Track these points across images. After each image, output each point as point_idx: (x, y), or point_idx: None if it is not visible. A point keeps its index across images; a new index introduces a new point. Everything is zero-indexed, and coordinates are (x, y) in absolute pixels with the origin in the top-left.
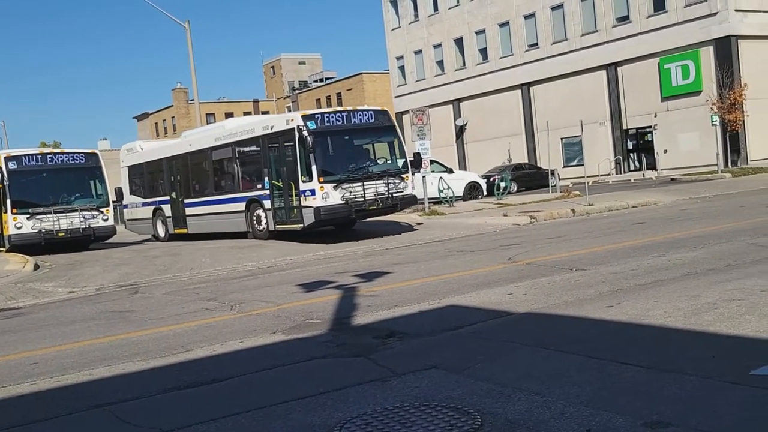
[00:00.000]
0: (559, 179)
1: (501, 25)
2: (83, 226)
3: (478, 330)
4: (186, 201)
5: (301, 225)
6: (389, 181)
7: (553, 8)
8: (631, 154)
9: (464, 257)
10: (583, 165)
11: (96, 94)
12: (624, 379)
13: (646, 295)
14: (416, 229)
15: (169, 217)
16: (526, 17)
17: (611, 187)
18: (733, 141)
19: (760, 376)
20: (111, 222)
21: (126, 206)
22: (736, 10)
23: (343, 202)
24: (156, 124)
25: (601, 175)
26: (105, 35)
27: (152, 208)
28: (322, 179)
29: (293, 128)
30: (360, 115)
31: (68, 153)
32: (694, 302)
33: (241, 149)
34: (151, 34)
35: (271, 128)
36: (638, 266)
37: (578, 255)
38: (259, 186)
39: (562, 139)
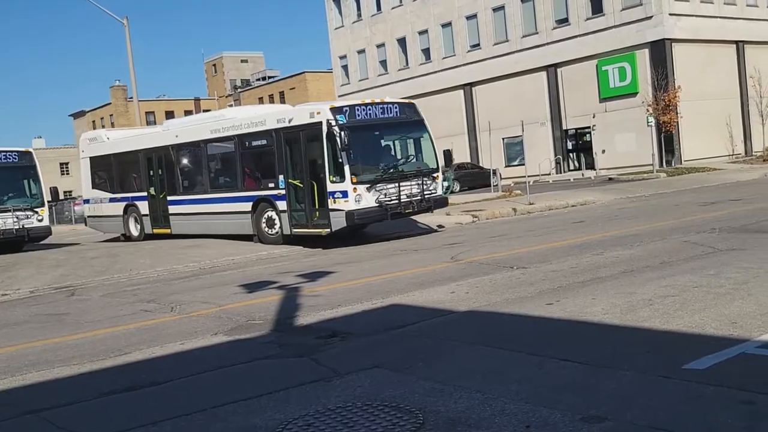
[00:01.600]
0: (501, 179)
1: (443, 26)
2: (17, 227)
3: (421, 329)
4: (170, 198)
5: (328, 230)
6: (423, 181)
7: (495, 9)
8: (571, 154)
9: (408, 256)
10: (524, 164)
11: (30, 92)
12: (563, 376)
13: (584, 293)
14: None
15: (146, 215)
16: (468, 18)
17: (551, 186)
18: (667, 141)
19: (691, 370)
20: (46, 222)
21: (87, 201)
22: (670, 14)
23: (377, 204)
24: (93, 122)
25: (542, 175)
26: (40, 33)
27: (123, 204)
28: (355, 180)
29: (320, 122)
30: (388, 108)
31: (0, 151)
32: (631, 299)
33: (248, 143)
34: (89, 33)
35: (289, 121)
36: (577, 264)
37: (520, 253)
38: (272, 185)
39: (503, 139)
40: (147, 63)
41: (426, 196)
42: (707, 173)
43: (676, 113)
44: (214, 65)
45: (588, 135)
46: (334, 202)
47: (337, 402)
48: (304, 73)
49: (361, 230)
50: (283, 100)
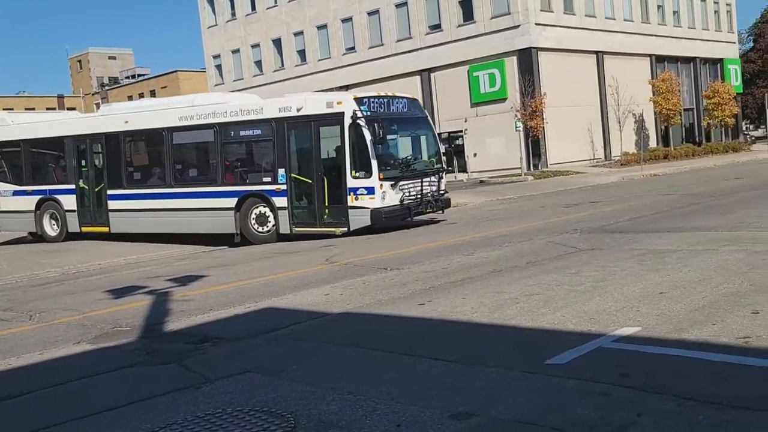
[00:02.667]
0: None
1: (319, 28)
2: None
3: (294, 332)
4: (112, 192)
5: (344, 229)
6: (438, 179)
7: (370, 13)
8: (444, 158)
9: (282, 259)
10: None
11: None
12: (433, 374)
13: (455, 292)
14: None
15: (71, 210)
16: (344, 21)
17: None
18: (534, 146)
19: (553, 365)
20: None
21: None
22: (536, 24)
23: (400, 203)
24: None
25: None
26: None
27: (36, 198)
28: (382, 176)
29: (341, 113)
30: (400, 102)
31: None
32: (498, 298)
33: (234, 133)
34: None
35: (297, 110)
36: (449, 265)
37: (393, 255)
38: (268, 179)
39: None
40: (4, 55)
41: (441, 195)
42: (571, 176)
43: (542, 119)
44: (80, 61)
45: (460, 138)
46: (356, 199)
47: (207, 409)
48: (176, 71)
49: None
50: None
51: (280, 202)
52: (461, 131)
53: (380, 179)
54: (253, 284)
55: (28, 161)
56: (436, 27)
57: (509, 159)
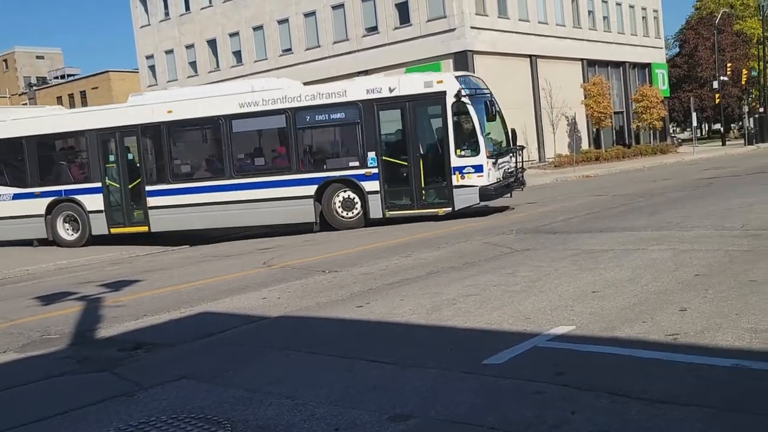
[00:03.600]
0: None
1: (255, 29)
2: None
3: (231, 336)
4: (151, 188)
5: (449, 209)
6: (517, 156)
7: (306, 15)
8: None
9: (219, 262)
10: None
11: None
12: (371, 376)
13: (393, 294)
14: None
15: (96, 211)
16: (280, 22)
17: None
18: None
19: (490, 365)
20: None
21: None
22: (472, 27)
23: (498, 180)
24: None
25: None
26: None
27: (47, 201)
28: (488, 153)
29: (442, 92)
30: (478, 80)
31: None
32: (436, 299)
33: (311, 117)
34: None
35: (390, 90)
36: (387, 266)
37: (332, 257)
38: (354, 164)
39: None
40: None
41: (522, 172)
42: None
43: None
44: (5, 60)
45: None
46: (462, 177)
47: (141, 417)
48: (107, 72)
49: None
50: (84, 101)
51: (371, 186)
52: None
53: (487, 156)
54: (189, 288)
55: (33, 160)
56: (373, 29)
57: None
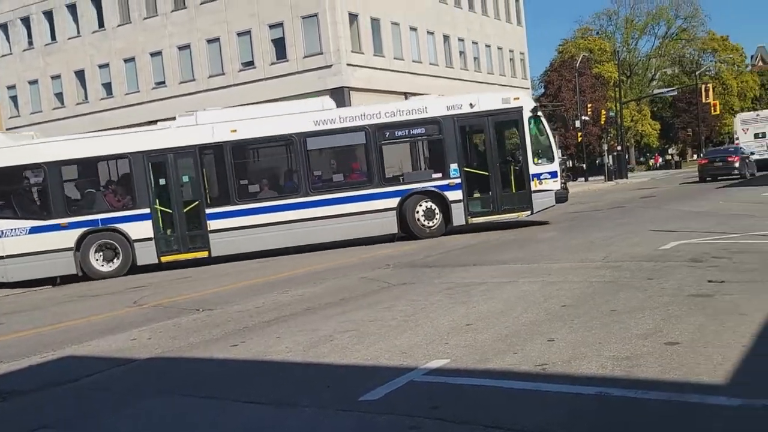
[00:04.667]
0: None
1: (126, 61)
2: None
3: (98, 380)
4: (213, 211)
5: (528, 212)
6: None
7: (180, 48)
8: None
9: (86, 303)
10: None
11: None
12: (245, 418)
13: (269, 332)
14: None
15: (143, 239)
16: (153, 55)
17: None
18: None
19: (366, 401)
20: None
21: None
22: (348, 64)
23: (563, 184)
24: None
25: None
26: None
27: (78, 232)
28: (560, 161)
29: (520, 107)
30: None
31: None
32: (313, 335)
33: (390, 133)
34: None
35: (471, 106)
36: (263, 303)
37: (207, 295)
38: (437, 175)
39: None
40: None
41: (566, 182)
42: None
43: None
44: None
45: None
46: (540, 183)
47: None
48: None
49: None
50: None
51: (454, 195)
52: None
53: (559, 164)
54: (53, 331)
55: (57, 188)
56: (249, 64)
57: None
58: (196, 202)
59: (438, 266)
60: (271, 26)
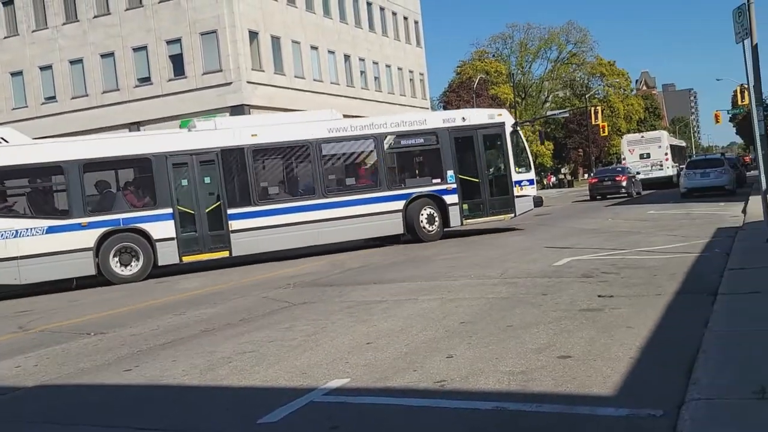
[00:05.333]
0: None
1: (14, 75)
2: None
3: None
4: (234, 211)
5: (512, 215)
6: None
7: (72, 62)
8: None
9: None
10: None
11: None
12: None
13: (165, 355)
14: None
15: (166, 239)
16: (43, 69)
17: None
18: None
19: (265, 423)
20: None
21: None
22: (248, 82)
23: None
24: None
25: None
26: None
27: (98, 232)
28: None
29: (503, 122)
30: None
31: None
32: (211, 358)
33: (395, 141)
34: None
35: (463, 120)
36: (158, 326)
37: (98, 318)
38: (436, 180)
39: None
40: None
41: None
42: None
43: None
44: None
45: None
46: (521, 189)
47: None
48: None
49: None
50: None
51: (451, 199)
52: None
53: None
54: None
55: (76, 188)
56: (146, 80)
57: None
58: (218, 203)
59: (339, 285)
60: (169, 42)
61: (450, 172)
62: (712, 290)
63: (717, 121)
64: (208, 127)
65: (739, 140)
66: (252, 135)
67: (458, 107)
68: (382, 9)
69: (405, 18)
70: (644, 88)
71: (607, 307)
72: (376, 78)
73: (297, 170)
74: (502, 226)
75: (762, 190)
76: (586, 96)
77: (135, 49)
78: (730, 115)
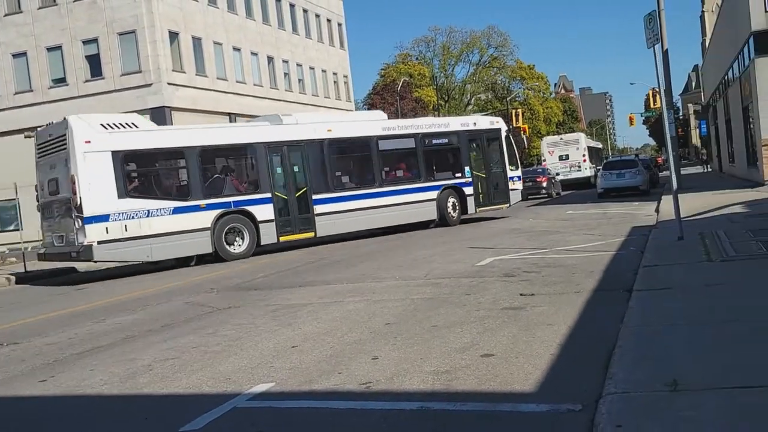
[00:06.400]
0: None
1: None
2: None
3: None
4: (317, 197)
5: (508, 204)
6: None
7: None
8: None
9: None
10: (20, 230)
11: None
12: None
13: (83, 364)
14: None
15: (267, 221)
16: None
17: None
18: None
19: (187, 431)
20: None
21: (106, 218)
22: (169, 84)
23: None
24: None
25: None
26: None
27: (214, 213)
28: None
29: (499, 128)
30: None
31: None
32: (131, 366)
33: (429, 141)
34: None
35: (473, 125)
36: (76, 334)
37: (11, 327)
38: (458, 174)
39: None
40: None
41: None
42: None
43: None
44: None
45: None
46: (513, 184)
47: None
48: None
49: None
50: None
51: (468, 191)
52: None
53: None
54: None
55: (195, 171)
56: (61, 81)
57: None
58: (304, 189)
59: (265, 289)
60: (85, 42)
61: (467, 168)
62: (628, 287)
63: (631, 124)
64: (292, 121)
65: (652, 142)
66: (328, 130)
67: (383, 109)
68: (305, 11)
69: (328, 20)
70: (562, 91)
71: (529, 305)
72: (300, 80)
73: (361, 162)
74: (426, 228)
75: (673, 190)
76: (508, 99)
77: (49, 49)
78: (644, 118)
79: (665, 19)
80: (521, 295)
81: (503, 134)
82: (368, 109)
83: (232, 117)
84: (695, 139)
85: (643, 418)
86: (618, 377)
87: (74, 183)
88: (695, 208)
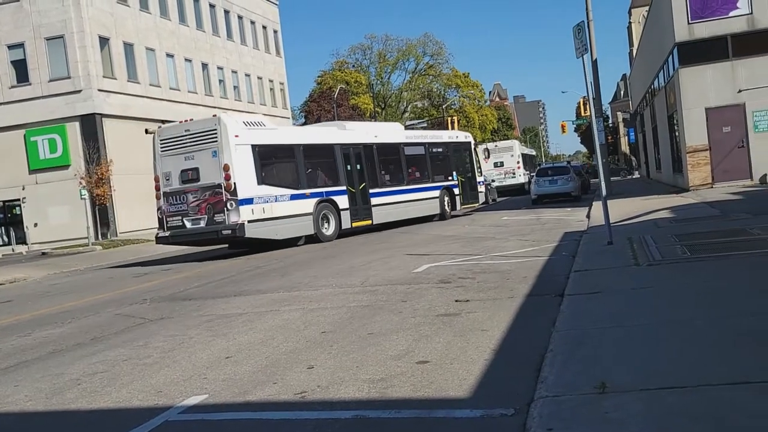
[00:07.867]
0: None
1: None
2: None
3: None
4: (372, 191)
5: (477, 203)
6: None
7: None
8: (0, 228)
9: None
10: None
11: None
12: None
13: (6, 380)
14: None
15: (345, 209)
16: None
17: None
18: (102, 214)
19: None
20: None
21: (249, 201)
22: (100, 90)
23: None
24: None
25: None
26: None
27: (314, 200)
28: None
29: (470, 141)
30: None
31: None
32: (58, 381)
33: (432, 149)
34: None
35: (456, 138)
36: (0, 349)
37: None
38: (450, 177)
39: None
40: None
41: None
42: (141, 245)
43: (110, 186)
44: None
45: (18, 208)
46: (480, 187)
47: None
48: None
49: None
50: None
51: (457, 191)
52: (19, 200)
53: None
54: None
55: (302, 165)
56: None
57: (75, 229)
58: (363, 184)
59: (199, 298)
60: (11, 47)
61: (454, 173)
62: (560, 291)
63: (563, 131)
64: (351, 127)
65: (584, 149)
66: (375, 135)
67: (319, 117)
68: (240, 17)
69: (264, 27)
70: (497, 99)
71: (464, 311)
72: (235, 87)
73: (395, 164)
74: (361, 232)
75: (602, 196)
76: (443, 106)
77: None
78: (575, 126)
79: (594, 30)
80: (456, 301)
81: (472, 146)
82: (305, 117)
83: (165, 124)
84: (624, 146)
85: (572, 421)
86: (549, 381)
87: (228, 170)
88: (624, 213)
